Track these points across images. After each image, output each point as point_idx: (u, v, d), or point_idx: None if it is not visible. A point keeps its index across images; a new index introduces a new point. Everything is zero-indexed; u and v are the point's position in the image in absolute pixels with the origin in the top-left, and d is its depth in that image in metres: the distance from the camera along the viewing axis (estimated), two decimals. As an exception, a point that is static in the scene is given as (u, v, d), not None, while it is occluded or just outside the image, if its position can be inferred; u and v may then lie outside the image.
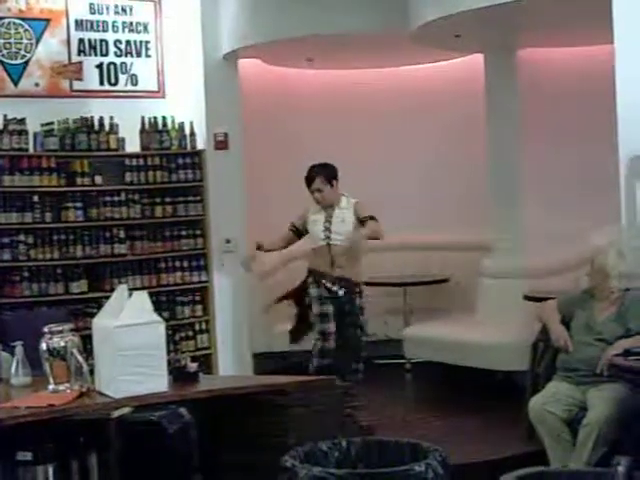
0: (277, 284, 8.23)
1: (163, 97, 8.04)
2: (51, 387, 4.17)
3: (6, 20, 7.46)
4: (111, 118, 7.65)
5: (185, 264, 7.89)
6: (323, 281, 6.42)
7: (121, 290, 4.36)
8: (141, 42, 7.99)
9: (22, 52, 7.51)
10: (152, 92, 8.02)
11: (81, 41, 7.74)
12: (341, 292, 6.42)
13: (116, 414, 4.05)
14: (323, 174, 6.50)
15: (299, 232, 6.65)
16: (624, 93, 5.39)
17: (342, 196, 6.54)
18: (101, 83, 7.84)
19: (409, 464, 3.43)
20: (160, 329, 4.17)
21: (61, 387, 4.15)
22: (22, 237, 7.27)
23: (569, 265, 7.35)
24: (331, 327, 6.38)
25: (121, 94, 7.89)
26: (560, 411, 5.15)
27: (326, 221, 6.49)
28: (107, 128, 7.62)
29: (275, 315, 8.25)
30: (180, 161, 7.88)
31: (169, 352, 4.81)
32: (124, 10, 7.92)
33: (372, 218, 6.35)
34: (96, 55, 7.81)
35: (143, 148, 7.79)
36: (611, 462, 2.72)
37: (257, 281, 8.29)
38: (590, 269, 5.43)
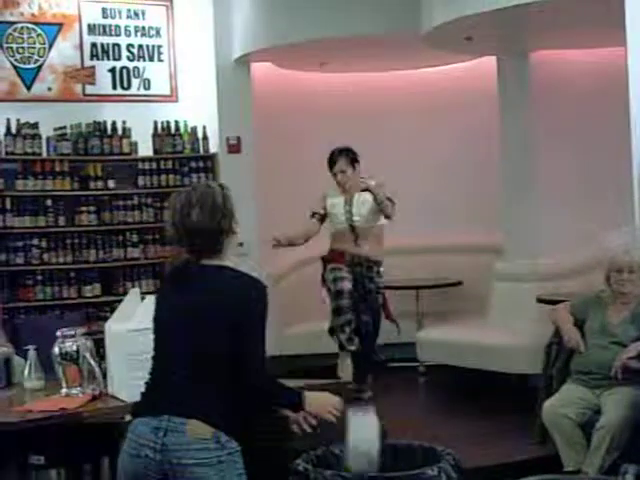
0: (290, 288, 8.24)
1: (176, 101, 8.06)
2: (64, 391, 4.17)
3: (19, 25, 7.49)
4: (124, 122, 7.67)
5: (198, 268, 7.88)
6: (336, 265, 6.36)
7: (133, 294, 4.35)
8: (153, 46, 8.01)
9: (35, 57, 7.54)
10: (165, 96, 8.04)
11: (94, 45, 7.77)
12: (361, 269, 6.38)
13: (128, 418, 4.05)
14: (346, 156, 6.48)
15: (323, 219, 6.53)
16: (637, 94, 5.37)
17: (361, 180, 6.51)
18: (114, 87, 7.86)
19: (422, 468, 3.42)
20: (173, 332, 4.16)
21: (74, 391, 4.15)
22: (35, 241, 7.30)
23: (582, 267, 7.33)
24: (346, 285, 6.26)
25: (134, 98, 7.91)
26: (574, 414, 5.13)
27: (346, 204, 6.44)
28: (120, 132, 7.65)
29: (287, 318, 8.26)
30: (193, 165, 7.89)
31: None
32: (136, 14, 7.94)
33: (390, 199, 6.36)
34: (109, 59, 7.83)
35: (156, 152, 7.81)
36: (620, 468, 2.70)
37: (271, 284, 8.29)
38: (628, 273, 5.30)
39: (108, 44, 7.84)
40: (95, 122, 7.58)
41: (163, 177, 7.78)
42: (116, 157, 7.62)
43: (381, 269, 6.46)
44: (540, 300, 7.01)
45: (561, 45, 7.59)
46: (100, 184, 7.53)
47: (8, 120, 7.27)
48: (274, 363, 8.06)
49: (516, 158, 7.86)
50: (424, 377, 8.21)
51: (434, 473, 3.35)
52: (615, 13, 5.46)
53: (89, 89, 7.76)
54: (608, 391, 5.10)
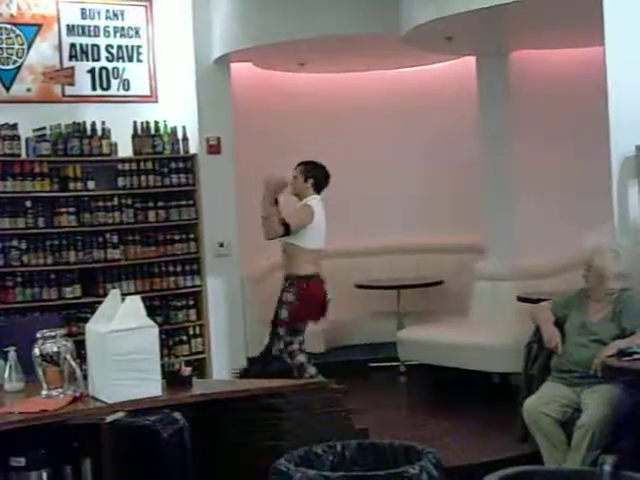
0: (270, 289, 8.22)
1: (155, 102, 8.04)
2: (44, 392, 4.17)
3: (-3, 25, 7.46)
4: (103, 123, 7.64)
5: (178, 268, 7.88)
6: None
7: (114, 295, 4.35)
8: (133, 47, 7.98)
9: (14, 57, 7.50)
10: (144, 97, 8.01)
11: (73, 46, 7.73)
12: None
13: (110, 419, 4.04)
14: None
15: (287, 232, 6.51)
16: (615, 94, 5.40)
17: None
18: (93, 88, 7.83)
19: (403, 467, 3.43)
20: (153, 333, 4.16)
21: (54, 392, 4.14)
22: (15, 242, 7.26)
23: (563, 266, 7.37)
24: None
25: (113, 99, 7.88)
26: (555, 413, 5.15)
27: None
28: (99, 133, 7.61)
29: (268, 319, 8.25)
30: (173, 165, 7.87)
31: (163, 357, 4.82)
32: (115, 15, 7.91)
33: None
34: (88, 60, 7.80)
35: (136, 153, 7.78)
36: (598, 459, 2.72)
37: (251, 284, 8.30)
38: (586, 270, 5.43)
39: (87, 45, 7.80)
40: (75, 123, 7.54)
41: (143, 178, 7.74)
42: (96, 158, 7.58)
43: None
44: (520, 299, 7.04)
45: (540, 45, 7.63)
46: (80, 185, 7.49)
47: (-13, 121, 7.24)
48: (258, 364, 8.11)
49: (495, 158, 7.89)
50: (405, 376, 8.23)
51: (415, 471, 3.36)
52: (593, 13, 5.49)
53: (68, 90, 7.72)
54: (588, 389, 5.13)
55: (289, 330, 6.60)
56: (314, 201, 6.63)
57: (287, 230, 6.45)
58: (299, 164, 6.76)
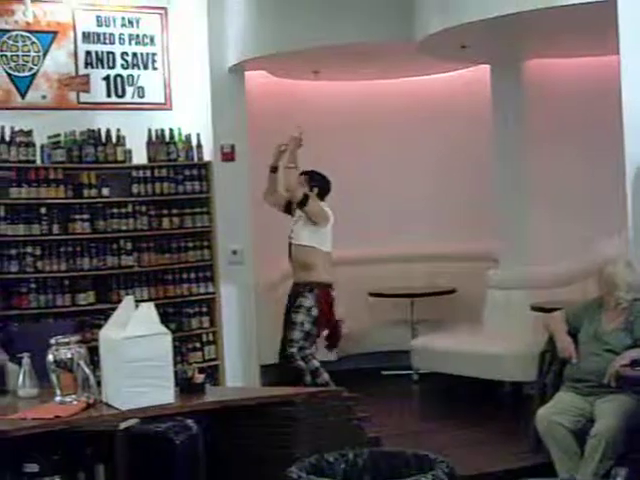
0: (284, 296, 8.24)
1: (170, 109, 8.05)
2: (58, 398, 4.18)
3: (13, 33, 7.48)
4: (118, 130, 7.65)
5: (192, 275, 7.88)
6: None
7: (128, 301, 4.36)
8: (148, 54, 8.01)
9: (29, 65, 7.53)
10: (159, 104, 8.03)
11: (88, 53, 7.76)
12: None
13: (123, 426, 4.05)
14: None
15: (300, 203, 6.90)
16: (630, 103, 5.38)
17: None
18: (108, 95, 7.85)
19: (416, 475, 3.43)
20: (167, 340, 4.17)
21: (68, 398, 4.15)
22: (29, 249, 7.27)
23: (576, 275, 7.35)
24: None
25: (128, 106, 7.90)
26: (567, 422, 5.13)
27: None
28: (114, 140, 7.63)
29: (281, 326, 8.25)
30: (187, 173, 7.88)
31: (176, 364, 4.82)
32: (131, 23, 7.94)
33: None
34: (103, 67, 7.83)
35: (150, 160, 7.79)
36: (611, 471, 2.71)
37: (265, 292, 8.31)
38: (598, 279, 5.42)
39: (102, 52, 7.83)
40: (89, 130, 7.56)
41: (157, 185, 7.75)
42: (110, 165, 7.60)
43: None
44: (534, 308, 7.02)
45: (555, 54, 7.62)
46: (94, 192, 7.50)
47: (2, 128, 7.25)
48: (271, 371, 8.15)
49: (510, 166, 7.89)
50: (418, 385, 8.22)
51: (428, 480, 3.36)
52: (609, 22, 5.48)
53: (83, 97, 7.75)
54: (601, 399, 5.11)
55: (304, 334, 6.66)
56: (325, 207, 6.82)
57: (305, 200, 6.80)
58: (301, 174, 6.97)
